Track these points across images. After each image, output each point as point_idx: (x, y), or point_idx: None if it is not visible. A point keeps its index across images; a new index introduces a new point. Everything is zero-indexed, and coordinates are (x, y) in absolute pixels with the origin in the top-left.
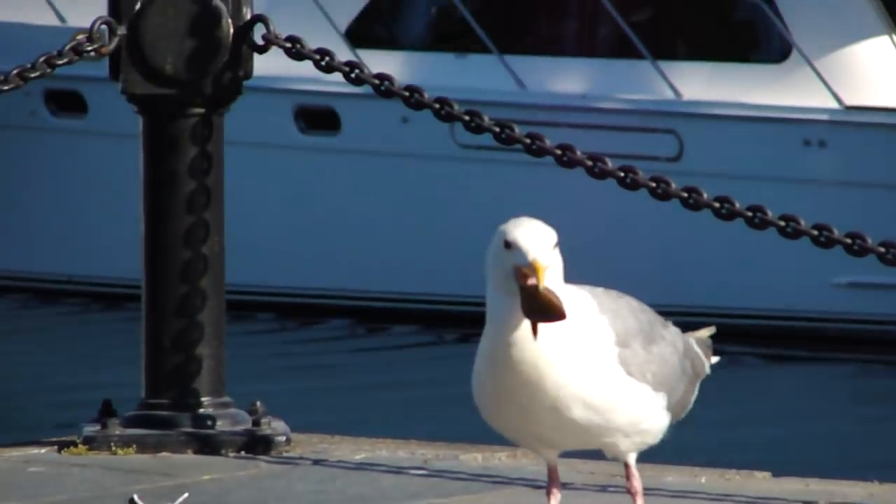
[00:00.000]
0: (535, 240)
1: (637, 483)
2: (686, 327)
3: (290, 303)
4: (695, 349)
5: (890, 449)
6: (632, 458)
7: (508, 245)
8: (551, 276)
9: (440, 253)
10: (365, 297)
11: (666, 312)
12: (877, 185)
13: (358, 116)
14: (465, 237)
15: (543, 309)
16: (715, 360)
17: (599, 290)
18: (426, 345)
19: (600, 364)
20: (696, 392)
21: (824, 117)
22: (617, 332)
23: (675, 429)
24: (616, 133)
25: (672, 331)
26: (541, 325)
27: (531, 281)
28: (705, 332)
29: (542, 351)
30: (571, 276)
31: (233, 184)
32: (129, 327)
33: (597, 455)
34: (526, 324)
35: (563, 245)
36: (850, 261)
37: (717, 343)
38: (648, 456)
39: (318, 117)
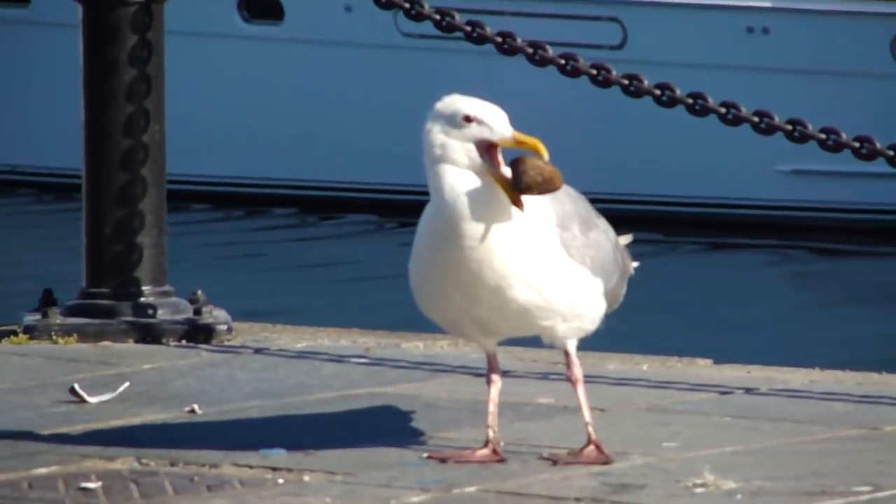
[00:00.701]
0: (502, 115)
1: (577, 371)
2: (631, 217)
3: (233, 192)
4: (615, 235)
5: (832, 335)
6: (571, 346)
7: (469, 119)
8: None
9: (384, 142)
10: (308, 187)
11: (610, 201)
12: (820, 72)
13: (301, 5)
14: (407, 126)
15: (547, 179)
16: (636, 264)
17: None
18: (369, 233)
19: (543, 244)
20: (625, 287)
21: (767, 4)
22: (557, 214)
23: (617, 315)
24: (559, 21)
25: (604, 221)
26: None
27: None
28: (623, 239)
29: (492, 226)
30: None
31: (175, 74)
32: (71, 217)
33: (539, 343)
34: (477, 197)
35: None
36: (795, 149)
37: (663, 231)
38: (590, 344)
39: (261, 6)
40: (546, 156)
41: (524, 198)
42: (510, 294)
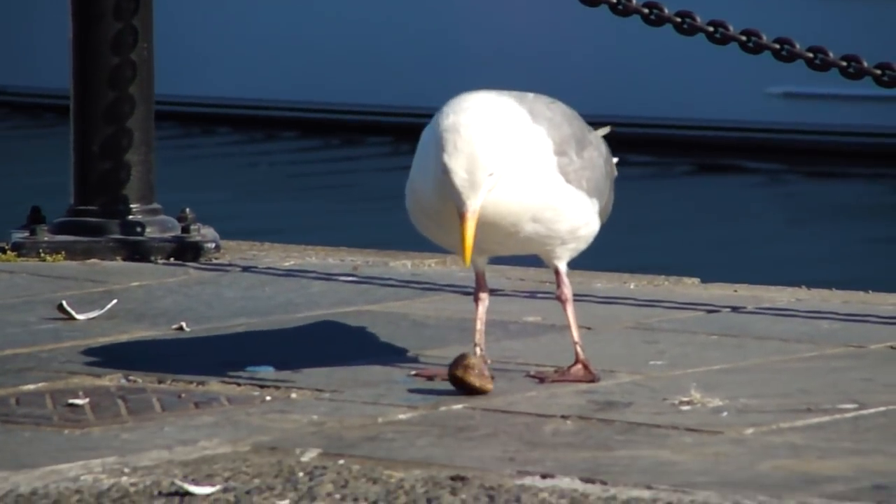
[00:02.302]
0: (468, 183)
1: (567, 290)
2: (620, 139)
3: (223, 113)
4: (604, 143)
5: (819, 254)
6: (563, 266)
7: (444, 172)
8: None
9: (379, 67)
10: (301, 108)
11: (599, 124)
12: None
13: None
14: (400, 52)
15: (472, 388)
16: (615, 160)
17: (530, 95)
18: (356, 153)
19: (543, 176)
20: (613, 195)
21: None
22: (554, 141)
23: (606, 235)
24: None
25: (595, 134)
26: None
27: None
28: (601, 132)
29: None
30: (504, 86)
31: None
32: (59, 134)
33: (526, 261)
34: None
35: (493, 55)
36: (784, 71)
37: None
38: (578, 263)
39: None
40: (466, 260)
41: None
42: (515, 230)
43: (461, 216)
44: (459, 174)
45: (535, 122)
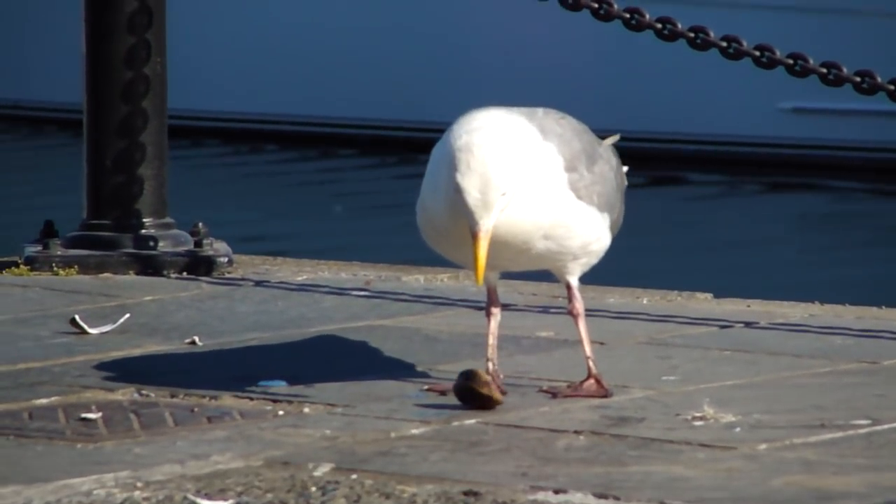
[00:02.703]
0: (481, 203)
1: (579, 305)
2: (632, 154)
3: (236, 128)
4: (617, 160)
5: (831, 271)
6: (574, 280)
7: (456, 191)
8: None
9: (391, 80)
10: (310, 123)
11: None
12: (822, 10)
13: None
14: (408, 65)
15: (483, 399)
16: (625, 169)
17: (539, 111)
18: (369, 168)
19: (554, 194)
20: (623, 206)
21: None
22: (565, 158)
23: (619, 251)
24: None
25: (606, 146)
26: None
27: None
28: (611, 140)
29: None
30: (515, 100)
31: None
32: (73, 150)
33: (539, 276)
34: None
35: (505, 68)
36: (796, 86)
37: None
38: (591, 278)
39: None
40: (479, 279)
41: None
42: (527, 247)
43: (474, 236)
44: (473, 194)
45: (546, 139)
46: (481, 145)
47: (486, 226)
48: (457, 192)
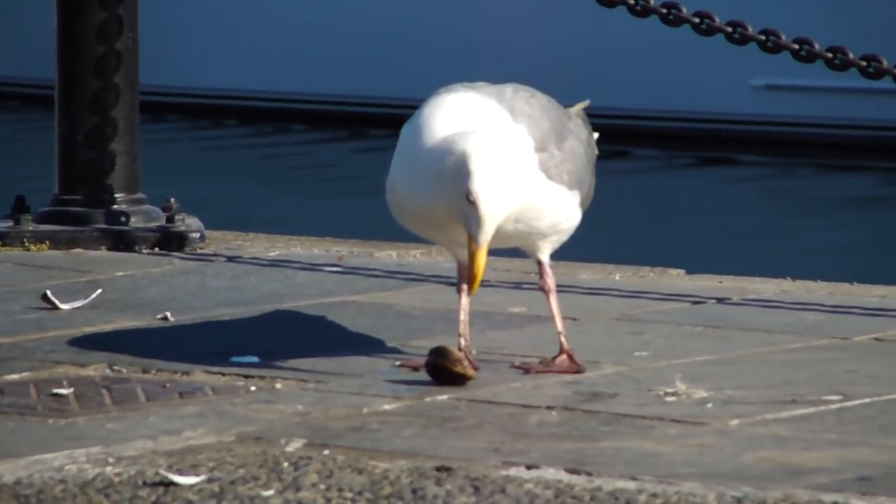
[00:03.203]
0: (495, 217)
1: (550, 280)
2: (604, 130)
3: (207, 104)
4: (588, 130)
5: (804, 247)
6: (545, 257)
7: (469, 199)
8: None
9: (368, 56)
10: (285, 99)
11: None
12: None
13: None
14: (389, 42)
15: (454, 375)
16: (595, 135)
17: (508, 89)
18: (338, 142)
19: (524, 176)
20: (594, 179)
21: None
22: (535, 138)
23: (591, 226)
24: None
25: (575, 121)
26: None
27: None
28: (581, 106)
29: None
30: (486, 74)
31: None
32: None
33: (511, 253)
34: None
35: (479, 44)
36: (769, 63)
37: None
38: (563, 254)
39: None
40: (474, 290)
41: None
42: (497, 231)
43: (473, 245)
44: (490, 207)
45: (515, 120)
46: (496, 157)
47: (488, 237)
48: (471, 200)
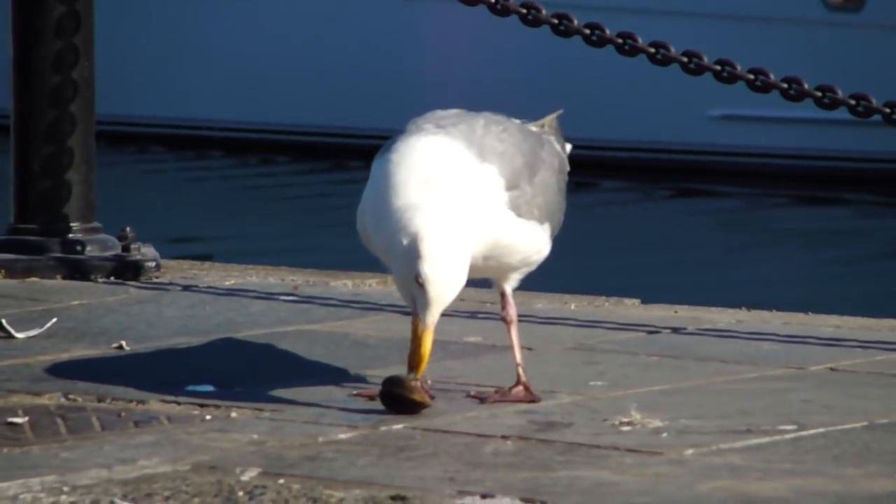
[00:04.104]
0: (442, 300)
1: (513, 311)
2: None
3: (163, 133)
4: (560, 152)
5: (758, 276)
6: (509, 288)
7: (419, 282)
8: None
9: (322, 85)
10: (241, 129)
11: None
12: (750, 18)
13: None
14: (348, 69)
15: (402, 400)
16: (569, 147)
17: (480, 124)
18: (297, 173)
19: (494, 217)
20: (564, 203)
21: None
22: (505, 177)
23: (548, 258)
24: None
25: (547, 149)
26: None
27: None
28: (553, 116)
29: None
30: (451, 101)
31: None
32: None
33: (468, 282)
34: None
35: (439, 74)
36: (725, 93)
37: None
38: (519, 284)
39: None
40: (418, 373)
41: None
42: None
43: (421, 326)
44: (439, 291)
45: (485, 160)
46: (445, 239)
47: (435, 319)
48: (421, 282)
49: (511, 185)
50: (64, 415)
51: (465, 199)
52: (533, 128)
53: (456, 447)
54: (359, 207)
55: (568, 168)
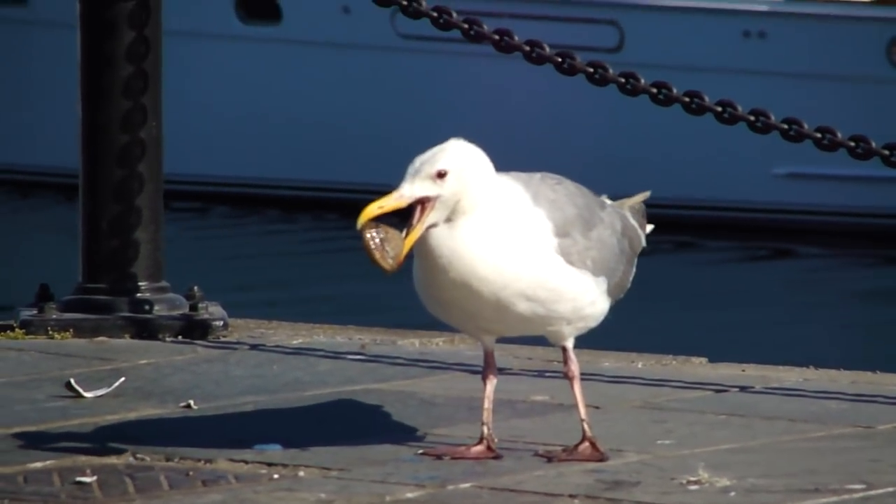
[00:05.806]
0: (413, 170)
1: (574, 367)
2: None
3: (230, 192)
4: (632, 223)
5: (823, 335)
6: (570, 343)
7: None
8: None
9: (380, 143)
10: (305, 188)
11: None
12: (816, 76)
13: (299, 6)
14: (404, 127)
15: (373, 258)
16: (650, 228)
17: (536, 177)
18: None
19: (538, 257)
20: (634, 270)
21: (764, 8)
22: (555, 223)
23: (614, 315)
24: (556, 23)
25: (609, 211)
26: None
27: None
28: (639, 198)
29: (476, 262)
30: (509, 164)
31: (174, 73)
32: (69, 213)
33: (534, 341)
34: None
35: (501, 134)
36: (791, 152)
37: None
38: (585, 342)
39: (258, 6)
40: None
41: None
42: (511, 309)
43: (396, 196)
44: (414, 164)
45: (536, 204)
46: (450, 145)
47: (406, 192)
48: (439, 174)
49: (561, 232)
50: (132, 474)
51: (515, 234)
52: (607, 200)
53: None
54: (414, 265)
55: (643, 244)
